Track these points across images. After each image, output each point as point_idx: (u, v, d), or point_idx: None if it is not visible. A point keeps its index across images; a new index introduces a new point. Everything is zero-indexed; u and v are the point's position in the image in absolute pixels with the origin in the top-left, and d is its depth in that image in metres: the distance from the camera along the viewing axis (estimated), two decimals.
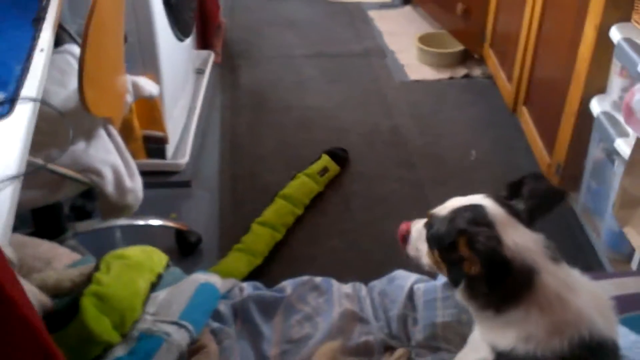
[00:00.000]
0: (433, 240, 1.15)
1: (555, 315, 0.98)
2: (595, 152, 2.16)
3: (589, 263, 2.14)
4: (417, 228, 1.26)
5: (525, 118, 2.79)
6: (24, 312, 0.71)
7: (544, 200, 1.13)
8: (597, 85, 2.14)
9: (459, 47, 3.46)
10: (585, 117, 2.19)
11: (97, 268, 1.33)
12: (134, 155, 1.93)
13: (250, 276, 2.09)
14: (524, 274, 1.00)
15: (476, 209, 1.07)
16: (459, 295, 1.09)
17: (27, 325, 0.72)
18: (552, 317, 0.98)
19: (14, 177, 1.10)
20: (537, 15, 2.61)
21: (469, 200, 1.12)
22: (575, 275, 1.06)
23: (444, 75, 3.39)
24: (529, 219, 1.09)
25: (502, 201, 1.11)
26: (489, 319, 1.04)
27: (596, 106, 2.10)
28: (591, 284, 1.08)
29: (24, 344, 0.74)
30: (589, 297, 1.02)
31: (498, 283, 1.01)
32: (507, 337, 1.00)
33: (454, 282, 1.09)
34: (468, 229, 1.03)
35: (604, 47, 2.06)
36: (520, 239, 1.03)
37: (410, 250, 1.26)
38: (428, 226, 1.18)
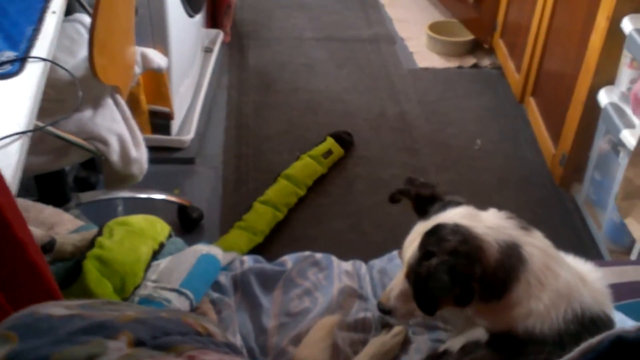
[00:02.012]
0: (441, 290, 1.02)
1: (551, 285, 0.99)
2: (600, 143, 2.16)
3: (589, 254, 2.13)
4: (397, 290, 1.14)
5: (532, 109, 2.78)
6: (34, 258, 0.72)
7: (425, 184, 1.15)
8: (606, 76, 2.14)
9: (469, 37, 3.45)
10: (592, 109, 2.18)
11: (100, 233, 1.34)
12: (139, 130, 1.93)
13: (251, 254, 2.09)
14: (512, 250, 1.00)
15: (438, 230, 1.03)
16: (469, 311, 1.06)
17: (36, 270, 0.73)
18: (549, 287, 0.99)
19: (21, 133, 1.10)
20: (549, 6, 2.60)
21: (421, 229, 1.07)
22: (549, 243, 1.06)
23: (452, 64, 3.38)
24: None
25: (443, 206, 1.09)
26: (492, 309, 1.03)
27: (604, 97, 2.10)
28: (567, 256, 1.09)
29: (32, 288, 0.75)
30: (569, 267, 1.03)
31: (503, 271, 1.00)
32: (508, 318, 1.00)
33: (463, 304, 1.04)
34: (439, 249, 1.01)
35: (615, 39, 2.06)
36: (490, 221, 1.03)
37: (400, 315, 1.16)
38: (412, 281, 1.08)
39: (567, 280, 1.00)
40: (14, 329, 0.54)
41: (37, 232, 1.07)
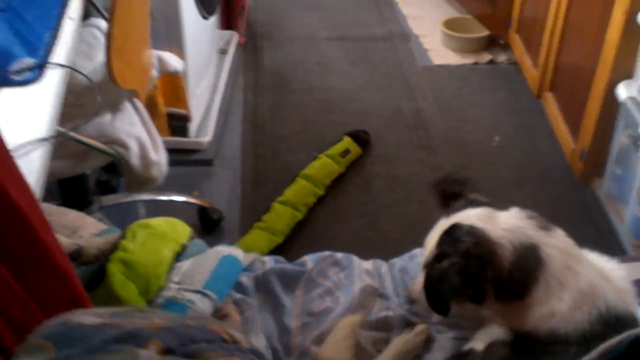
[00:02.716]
0: (450, 292, 1.05)
1: (572, 286, 0.98)
2: (620, 137, 2.14)
3: (612, 250, 2.10)
4: (420, 286, 1.19)
5: (550, 104, 2.76)
6: (60, 262, 0.73)
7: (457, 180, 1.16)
8: (624, 70, 2.12)
9: (484, 33, 3.43)
10: (611, 103, 2.16)
11: (122, 236, 1.35)
12: (158, 132, 1.94)
13: (271, 254, 2.10)
14: (529, 252, 1.00)
15: (453, 229, 1.05)
16: (485, 308, 1.07)
17: (62, 274, 0.74)
18: (569, 287, 0.98)
19: (43, 139, 1.12)
20: (565, 0, 2.58)
21: (442, 226, 1.08)
22: (571, 241, 1.05)
23: (468, 60, 3.37)
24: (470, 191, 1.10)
25: (463, 206, 1.10)
26: (512, 309, 1.03)
27: (623, 91, 2.08)
28: (590, 254, 1.08)
29: (59, 292, 0.76)
30: (592, 266, 1.02)
31: (518, 271, 1.00)
32: (531, 318, 1.00)
33: (478, 302, 1.06)
34: (454, 250, 1.02)
35: (632, 33, 2.04)
36: (507, 223, 1.02)
37: (423, 308, 1.22)
38: (438, 290, 1.08)
39: (590, 279, 0.99)
40: (48, 339, 0.55)
41: (65, 241, 1.08)
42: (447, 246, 1.03)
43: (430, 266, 1.06)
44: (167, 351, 0.55)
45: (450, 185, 1.16)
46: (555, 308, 0.98)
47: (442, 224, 1.10)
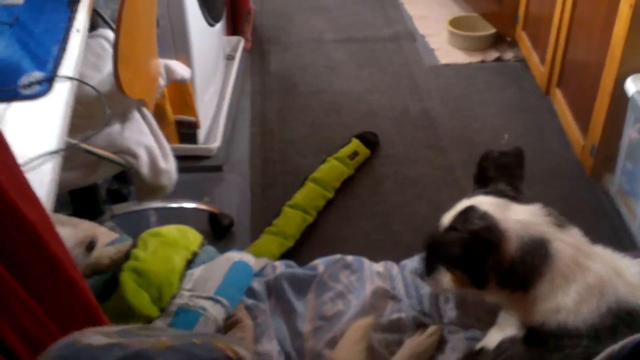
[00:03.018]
0: (446, 259, 1.11)
1: (579, 280, 0.99)
2: (630, 132, 2.12)
3: (624, 245, 2.11)
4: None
5: (559, 100, 2.75)
6: (70, 273, 0.74)
7: (510, 167, 1.16)
8: (632, 64, 2.11)
9: (491, 30, 3.43)
10: (620, 98, 2.15)
11: (134, 245, 1.36)
12: (167, 140, 1.95)
13: (282, 258, 2.11)
14: (537, 246, 1.01)
15: (468, 210, 1.08)
16: (488, 295, 1.10)
17: (73, 286, 0.75)
18: (576, 282, 0.99)
19: (54, 152, 1.13)
20: None
21: (458, 208, 1.12)
22: (585, 240, 1.07)
23: (475, 58, 3.36)
24: (517, 191, 1.10)
25: (487, 192, 1.12)
26: (518, 300, 1.04)
27: (631, 86, 2.07)
28: (603, 250, 1.09)
29: (71, 303, 0.76)
30: (603, 261, 1.03)
31: (522, 262, 1.01)
32: (538, 312, 1.00)
33: (480, 285, 1.08)
34: (463, 227, 1.05)
35: (638, 26, 2.03)
36: (520, 216, 1.04)
37: (430, 284, 1.27)
38: (437, 250, 1.14)
39: (599, 274, 1.00)
40: None
41: (79, 234, 1.10)
42: (459, 223, 1.07)
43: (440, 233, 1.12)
44: None
45: (497, 162, 1.17)
46: (560, 302, 0.99)
47: (461, 204, 1.12)
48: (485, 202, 1.08)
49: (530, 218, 1.04)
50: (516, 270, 1.01)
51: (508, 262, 1.01)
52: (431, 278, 1.20)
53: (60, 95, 1.32)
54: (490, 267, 1.02)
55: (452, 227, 1.08)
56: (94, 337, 0.58)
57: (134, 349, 0.56)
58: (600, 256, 1.05)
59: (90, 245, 1.09)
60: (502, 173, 1.14)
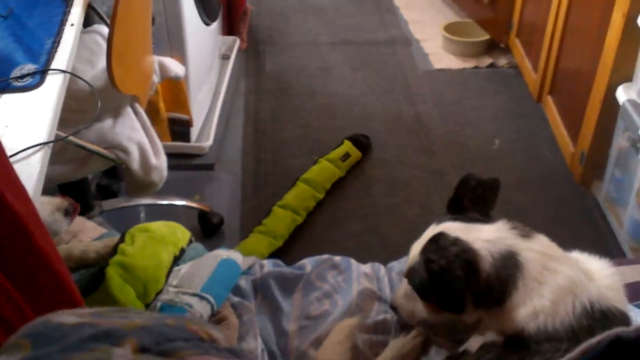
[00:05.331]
0: (423, 291, 1.11)
1: (550, 283, 1.01)
2: (620, 140, 2.14)
3: (610, 252, 2.12)
4: (403, 290, 1.25)
5: (550, 107, 2.77)
6: (56, 267, 0.74)
7: (484, 198, 1.16)
8: (623, 73, 2.13)
9: (485, 37, 3.44)
10: (610, 106, 2.17)
11: (122, 240, 1.36)
12: (159, 137, 1.96)
13: (271, 258, 2.11)
14: (507, 259, 1.03)
15: (438, 238, 1.09)
16: (465, 317, 1.10)
17: (58, 279, 0.75)
18: (547, 284, 1.00)
19: (42, 144, 1.13)
20: (565, 4, 2.59)
21: (427, 235, 1.13)
22: (553, 245, 1.08)
23: (468, 64, 3.38)
24: (486, 216, 1.12)
25: (455, 218, 1.13)
26: (495, 314, 1.05)
27: (622, 94, 2.09)
28: (576, 254, 1.11)
29: (55, 297, 0.77)
30: (573, 264, 1.05)
31: (498, 280, 1.03)
32: (516, 320, 1.01)
33: (457, 311, 1.09)
34: (438, 257, 1.05)
35: (631, 35, 2.05)
36: (487, 235, 1.06)
37: (404, 314, 1.25)
38: (410, 282, 1.16)
39: (569, 276, 1.01)
40: (27, 337, 0.56)
41: (56, 200, 1.10)
42: (433, 253, 1.06)
43: (418, 269, 1.09)
44: (143, 349, 0.56)
45: (473, 192, 1.18)
46: (537, 305, 1.00)
47: (430, 231, 1.13)
48: (453, 228, 1.10)
49: (497, 234, 1.06)
50: (492, 287, 1.03)
51: (484, 281, 1.03)
52: (404, 309, 1.22)
53: (52, 88, 1.32)
54: (469, 289, 1.03)
55: (427, 259, 1.07)
56: (66, 316, 0.59)
57: (103, 328, 0.57)
58: (569, 259, 1.07)
59: (67, 210, 1.09)
60: (476, 203, 1.16)
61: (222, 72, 3.12)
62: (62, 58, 1.41)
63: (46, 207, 1.09)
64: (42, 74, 1.33)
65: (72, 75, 1.41)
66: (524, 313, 1.00)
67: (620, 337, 0.59)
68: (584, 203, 2.42)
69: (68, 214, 1.10)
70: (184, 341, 0.59)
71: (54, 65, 1.38)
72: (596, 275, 1.06)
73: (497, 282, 1.03)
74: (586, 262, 1.09)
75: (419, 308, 1.18)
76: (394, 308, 1.27)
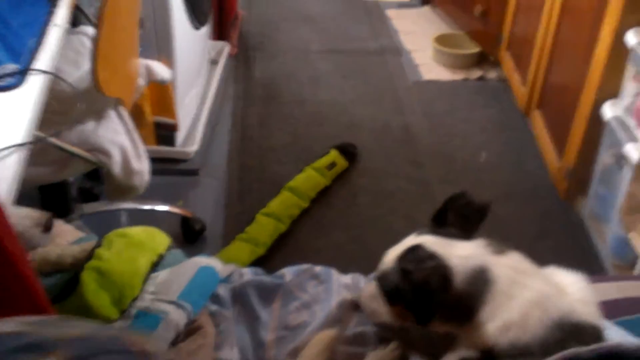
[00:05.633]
0: (391, 295, 1.13)
1: (518, 296, 1.01)
2: (605, 157, 2.14)
3: (592, 269, 2.12)
4: (369, 290, 1.25)
5: (538, 121, 2.77)
6: (24, 272, 0.72)
7: (470, 219, 1.16)
8: (610, 89, 2.13)
9: (475, 49, 3.45)
10: (596, 122, 2.17)
11: (99, 244, 1.34)
12: (144, 141, 1.94)
13: (253, 266, 2.09)
14: (478, 275, 1.04)
15: (416, 249, 1.09)
16: (438, 328, 1.11)
17: (25, 285, 0.73)
18: (516, 298, 1.01)
19: (20, 145, 1.11)
20: (555, 18, 2.60)
21: (405, 244, 1.14)
22: (524, 260, 1.09)
23: (458, 76, 3.38)
24: (466, 236, 1.12)
25: (435, 232, 1.14)
26: (467, 329, 1.06)
27: (608, 111, 2.09)
28: (548, 269, 1.12)
29: (22, 303, 0.75)
30: (544, 278, 1.05)
31: (465, 295, 1.03)
32: (487, 335, 1.01)
33: (423, 322, 1.09)
34: (415, 269, 1.05)
35: (619, 52, 2.05)
36: (462, 252, 1.07)
37: (368, 313, 1.27)
38: (380, 285, 1.18)
39: (539, 290, 1.02)
40: None
41: (35, 214, 1.08)
42: (409, 263, 1.07)
43: (391, 275, 1.11)
44: None
45: (461, 210, 1.18)
46: (506, 318, 1.00)
47: (408, 241, 1.14)
48: (430, 242, 1.10)
49: (471, 251, 1.07)
50: (461, 302, 1.03)
51: (454, 296, 1.03)
52: (367, 308, 1.24)
53: (33, 88, 1.30)
54: (438, 304, 1.04)
55: (403, 269, 1.08)
56: (6, 324, 0.57)
57: (35, 338, 0.55)
58: (540, 274, 1.07)
59: (47, 225, 1.07)
60: (459, 222, 1.16)
61: (211, 77, 3.11)
62: (45, 58, 1.39)
63: (25, 220, 1.07)
64: (23, 74, 1.31)
65: (54, 76, 1.39)
66: (494, 327, 1.00)
67: (578, 356, 0.58)
68: (568, 218, 2.42)
69: (48, 229, 1.08)
70: (116, 354, 0.58)
71: (36, 65, 1.36)
72: (568, 290, 1.06)
73: (467, 297, 1.03)
74: (559, 277, 1.10)
75: (382, 311, 1.19)
76: (357, 305, 1.29)
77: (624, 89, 2.06)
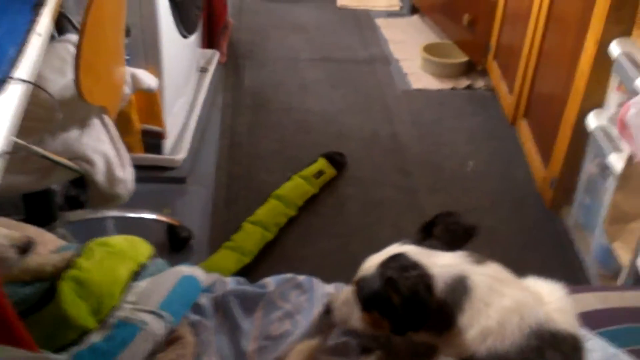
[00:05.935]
0: (370, 301, 1.13)
1: (496, 303, 1.02)
2: (589, 166, 2.15)
3: (577, 277, 2.13)
4: (344, 295, 1.24)
5: (524, 131, 2.79)
6: None
7: (455, 236, 1.17)
8: (594, 100, 2.14)
9: (463, 58, 3.47)
10: (581, 132, 2.19)
11: (79, 253, 1.33)
12: (131, 149, 1.94)
13: (239, 274, 2.09)
14: (457, 283, 1.05)
15: (399, 257, 1.10)
16: (417, 337, 1.11)
17: None
18: (493, 306, 1.02)
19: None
20: (540, 29, 2.61)
21: (388, 252, 1.15)
22: (503, 270, 1.10)
23: (446, 85, 3.40)
24: (449, 251, 1.13)
25: (418, 242, 1.15)
26: (446, 338, 1.06)
27: (593, 121, 2.10)
28: (527, 279, 1.13)
29: None
30: (521, 287, 1.07)
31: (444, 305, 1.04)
32: (466, 343, 1.02)
33: (400, 332, 1.10)
34: (399, 277, 1.05)
35: (603, 62, 2.06)
36: (443, 261, 1.08)
37: (338, 318, 1.25)
38: (358, 290, 1.17)
39: (516, 298, 1.03)
40: None
41: (15, 234, 1.07)
42: (392, 271, 1.07)
43: (370, 281, 1.11)
44: None
45: (448, 227, 1.18)
46: (484, 326, 1.01)
47: (392, 249, 1.14)
48: (413, 251, 1.11)
49: (451, 261, 1.08)
50: (442, 311, 1.04)
51: (435, 305, 1.04)
52: (339, 313, 1.22)
53: (12, 97, 1.29)
54: (424, 313, 1.04)
55: (388, 278, 1.07)
56: None
57: None
58: (518, 283, 1.08)
59: (24, 248, 1.06)
60: (445, 237, 1.17)
61: (200, 85, 3.11)
62: (25, 67, 1.38)
63: (3, 239, 1.05)
64: (2, 82, 1.31)
65: (34, 85, 1.39)
66: (473, 335, 1.01)
67: None
68: (553, 228, 2.42)
69: (25, 252, 1.06)
70: None
71: (16, 74, 1.35)
72: (546, 299, 1.07)
73: (446, 306, 1.04)
74: (537, 286, 1.11)
75: (355, 317, 1.18)
76: (328, 310, 1.26)
77: (608, 99, 2.08)
